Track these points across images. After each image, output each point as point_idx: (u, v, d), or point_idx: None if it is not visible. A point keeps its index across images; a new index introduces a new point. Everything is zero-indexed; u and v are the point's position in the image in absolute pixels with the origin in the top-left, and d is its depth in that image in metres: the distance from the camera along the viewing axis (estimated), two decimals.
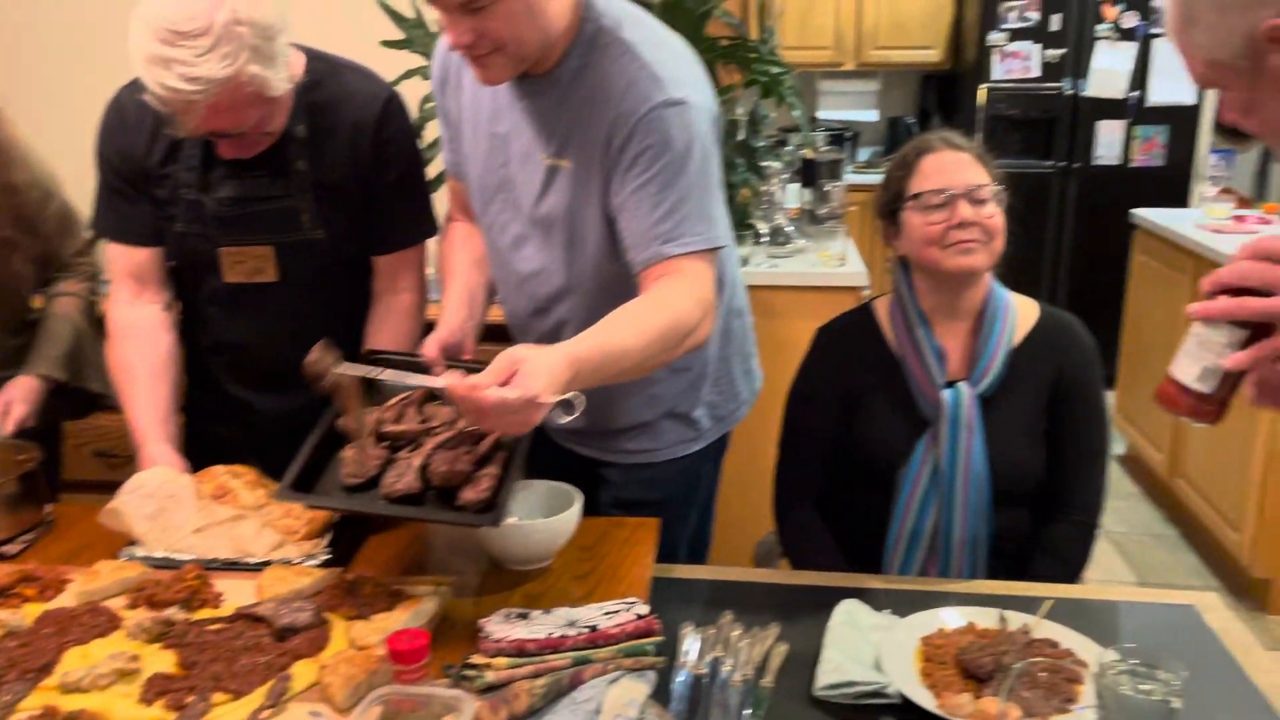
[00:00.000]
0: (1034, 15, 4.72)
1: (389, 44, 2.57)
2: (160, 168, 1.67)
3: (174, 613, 1.30)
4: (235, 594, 1.37)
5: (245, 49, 1.45)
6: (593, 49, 1.46)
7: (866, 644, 1.31)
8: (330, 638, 1.27)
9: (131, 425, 1.65)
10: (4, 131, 1.84)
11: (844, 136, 5.27)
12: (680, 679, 1.23)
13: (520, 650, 1.21)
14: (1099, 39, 4.69)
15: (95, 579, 1.37)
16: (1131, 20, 4.65)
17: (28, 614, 1.32)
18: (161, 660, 1.23)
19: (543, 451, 1.56)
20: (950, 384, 1.63)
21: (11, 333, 1.94)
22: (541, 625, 1.25)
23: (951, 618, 1.37)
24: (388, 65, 1.98)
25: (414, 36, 2.59)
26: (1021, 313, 1.69)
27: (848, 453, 1.71)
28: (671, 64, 1.45)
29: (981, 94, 4.80)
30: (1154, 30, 4.58)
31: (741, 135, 2.89)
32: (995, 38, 4.76)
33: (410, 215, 1.77)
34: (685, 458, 1.72)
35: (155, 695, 1.15)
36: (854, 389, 1.70)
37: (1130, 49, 4.67)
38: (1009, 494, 1.64)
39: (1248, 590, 3.15)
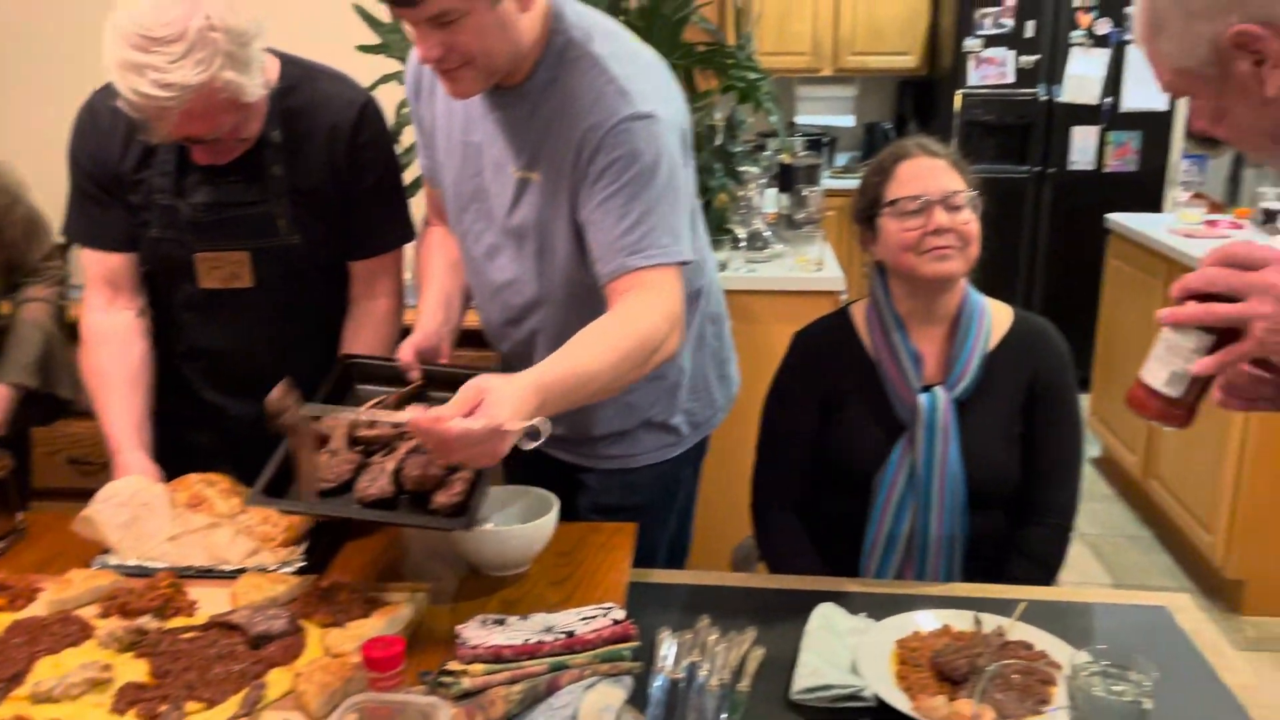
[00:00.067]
0: (1009, 22, 4.75)
1: (365, 49, 2.56)
2: (134, 173, 1.66)
3: (147, 621, 1.29)
4: (210, 602, 1.36)
5: (219, 55, 1.44)
6: (561, 62, 1.46)
7: (843, 647, 1.31)
8: (305, 645, 1.26)
9: (106, 432, 1.64)
10: None
11: (821, 142, 5.30)
12: (657, 684, 1.24)
13: (497, 656, 1.20)
14: (1073, 45, 4.73)
15: (67, 588, 1.36)
16: (1105, 27, 4.70)
17: None
18: (134, 669, 1.22)
19: (521, 457, 1.55)
20: (926, 388, 1.64)
21: None
22: (518, 631, 1.25)
23: (927, 620, 1.38)
24: (364, 70, 1.98)
25: (390, 41, 2.58)
26: (996, 317, 1.70)
27: (825, 456, 1.71)
28: (640, 78, 1.45)
29: (957, 99, 4.83)
30: (1127, 37, 4.61)
31: (719, 140, 2.90)
32: (971, 44, 4.79)
33: (387, 220, 1.77)
34: (664, 463, 1.72)
35: (127, 705, 1.14)
36: (831, 393, 1.71)
37: (1104, 55, 4.71)
38: (985, 497, 1.65)
39: (1221, 591, 3.18)
